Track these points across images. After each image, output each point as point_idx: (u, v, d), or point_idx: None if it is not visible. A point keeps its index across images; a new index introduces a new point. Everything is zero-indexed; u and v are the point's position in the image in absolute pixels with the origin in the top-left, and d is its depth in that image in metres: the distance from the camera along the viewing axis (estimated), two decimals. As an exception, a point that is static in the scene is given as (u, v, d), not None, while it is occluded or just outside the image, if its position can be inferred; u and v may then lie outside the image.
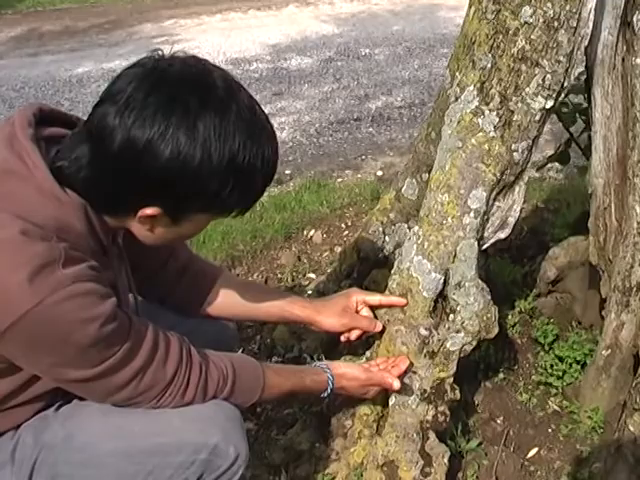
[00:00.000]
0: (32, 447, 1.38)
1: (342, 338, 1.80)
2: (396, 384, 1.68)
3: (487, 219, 1.86)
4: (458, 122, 1.79)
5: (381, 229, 2.29)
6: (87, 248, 1.26)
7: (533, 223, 2.95)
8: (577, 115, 2.58)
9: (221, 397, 1.44)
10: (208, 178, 1.22)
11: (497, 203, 1.86)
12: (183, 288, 1.70)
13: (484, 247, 1.90)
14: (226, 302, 1.73)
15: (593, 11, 1.60)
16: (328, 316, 1.76)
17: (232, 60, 6.02)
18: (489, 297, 1.81)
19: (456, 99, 1.81)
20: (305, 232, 3.16)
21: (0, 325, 1.16)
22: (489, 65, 1.71)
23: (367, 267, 2.33)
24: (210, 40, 6.56)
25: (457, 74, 1.81)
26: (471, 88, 1.76)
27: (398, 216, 2.26)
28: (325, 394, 1.64)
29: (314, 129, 4.73)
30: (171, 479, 1.38)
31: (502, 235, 1.91)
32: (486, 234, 1.88)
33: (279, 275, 2.80)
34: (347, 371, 1.67)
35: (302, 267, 2.86)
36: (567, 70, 1.64)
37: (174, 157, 1.18)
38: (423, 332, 1.80)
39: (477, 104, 1.75)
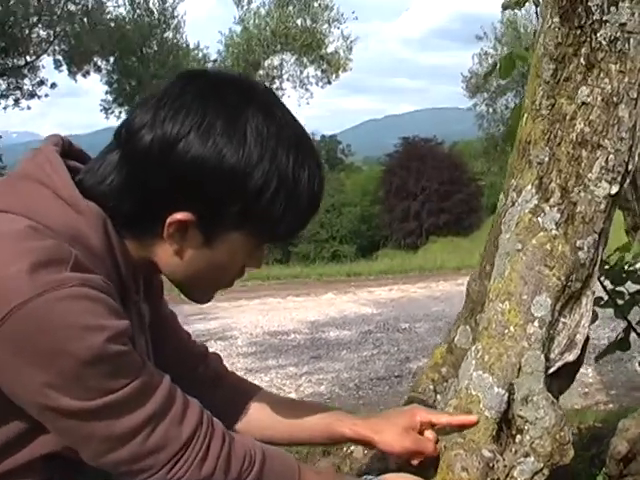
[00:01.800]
0: None
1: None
2: None
3: (552, 339, 1.67)
4: (516, 224, 1.67)
5: (432, 387, 2.06)
6: (103, 272, 1.10)
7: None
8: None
9: (252, 475, 1.18)
10: (246, 176, 1.09)
11: (563, 319, 1.68)
12: (217, 402, 1.44)
13: (551, 371, 1.68)
14: (263, 420, 1.48)
15: (654, 82, 1.56)
16: (387, 437, 1.47)
17: (270, 332, 6.07)
18: (562, 412, 1.57)
19: (513, 204, 1.71)
20: (345, 448, 2.90)
21: None
22: (547, 159, 1.64)
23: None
24: (248, 318, 6.66)
25: (513, 180, 1.73)
26: (529, 187, 1.67)
27: (451, 370, 2.05)
28: None
29: (353, 384, 4.61)
30: None
31: (570, 357, 1.71)
32: (552, 356, 1.69)
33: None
34: None
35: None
36: (631, 148, 1.57)
37: (209, 150, 1.07)
38: (487, 454, 1.55)
39: (536, 202, 1.66)
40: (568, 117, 1.62)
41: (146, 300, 1.32)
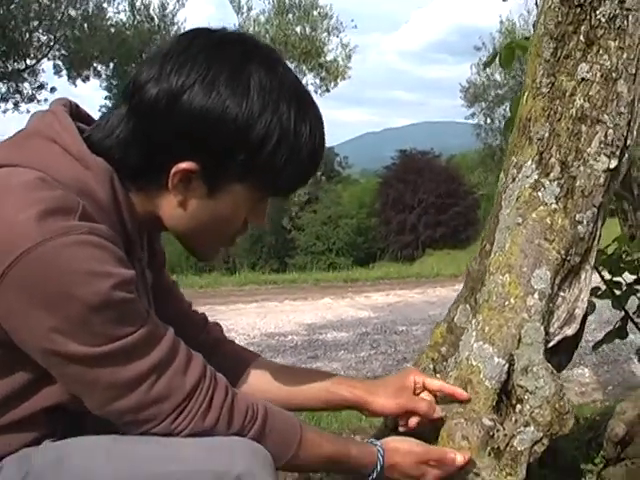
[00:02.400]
0: (15, 476, 1.12)
1: (400, 428, 1.54)
2: (459, 458, 1.42)
3: (552, 312, 1.69)
4: (517, 199, 1.70)
5: (432, 366, 2.07)
6: (109, 226, 1.12)
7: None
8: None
9: (249, 436, 1.19)
10: (248, 127, 1.12)
11: (562, 293, 1.71)
12: (216, 368, 1.49)
13: (551, 344, 1.71)
14: (263, 385, 1.50)
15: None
16: (381, 397, 1.50)
17: (267, 334, 6.07)
18: (561, 383, 1.59)
19: (513, 180, 1.74)
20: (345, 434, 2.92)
21: (0, 265, 1.01)
22: (547, 134, 1.67)
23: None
24: (245, 320, 6.66)
25: (513, 158, 1.76)
26: (529, 163, 1.70)
27: (450, 350, 2.06)
28: (374, 474, 1.36)
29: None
30: None
31: (569, 331, 1.73)
32: (552, 330, 1.71)
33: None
34: (400, 445, 1.41)
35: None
36: (629, 123, 1.61)
37: (213, 101, 1.11)
38: (487, 423, 1.57)
39: (536, 177, 1.68)
40: (568, 93, 1.65)
41: (149, 267, 1.34)
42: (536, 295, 1.63)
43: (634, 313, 2.54)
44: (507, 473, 1.54)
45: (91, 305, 1.03)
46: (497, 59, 2.45)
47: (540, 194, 1.67)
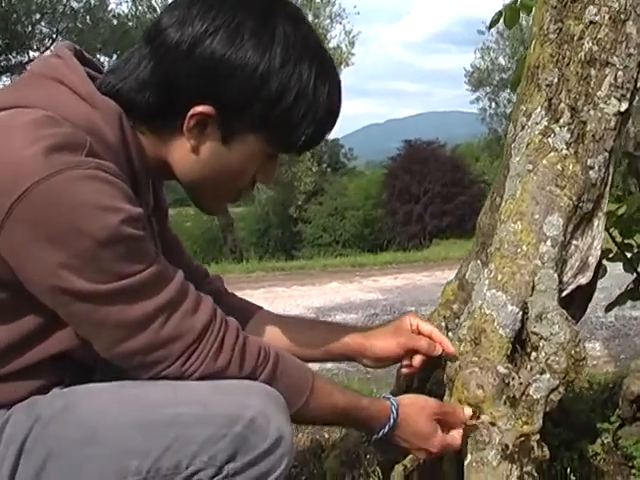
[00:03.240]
0: (23, 423, 1.11)
1: (404, 370, 1.53)
2: (467, 411, 1.43)
3: (565, 261, 1.67)
4: (527, 146, 1.68)
5: (444, 324, 2.06)
6: (116, 166, 1.11)
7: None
8: None
9: (261, 379, 1.17)
10: (269, 77, 1.12)
11: (575, 242, 1.69)
12: None
13: (564, 294, 1.69)
14: (264, 336, 1.48)
15: (661, -3, 1.57)
16: (380, 339, 1.48)
17: (276, 317, 6.02)
18: (576, 329, 1.57)
19: (522, 128, 1.72)
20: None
21: (6, 200, 0.99)
22: (555, 80, 1.65)
23: (429, 368, 2.06)
24: (253, 304, 6.63)
25: (522, 106, 1.74)
26: (538, 110, 1.68)
27: (462, 307, 2.04)
28: (386, 428, 1.34)
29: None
30: (194, 458, 1.08)
31: (583, 280, 1.71)
32: (565, 279, 1.69)
33: None
34: (413, 400, 1.41)
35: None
36: (639, 65, 1.58)
37: (236, 48, 1.11)
38: (502, 370, 1.55)
39: (546, 124, 1.66)
40: (576, 37, 1.63)
41: (154, 216, 1.33)
42: (549, 242, 1.61)
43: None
44: (523, 422, 1.52)
45: (99, 239, 1.01)
46: (502, 19, 2.43)
47: (550, 140, 1.65)
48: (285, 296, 6.93)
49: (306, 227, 29.09)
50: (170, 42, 1.12)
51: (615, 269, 2.41)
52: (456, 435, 1.42)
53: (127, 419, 1.07)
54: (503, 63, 23.29)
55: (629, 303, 2.63)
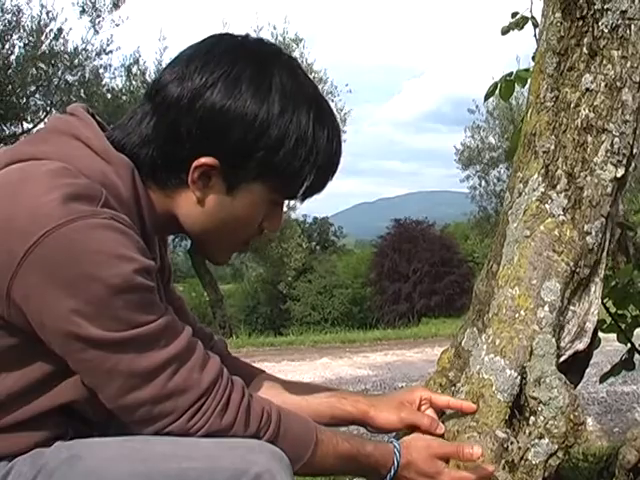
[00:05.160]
0: (26, 474, 1.10)
1: None
2: (477, 450, 1.37)
3: (562, 327, 1.67)
4: (524, 212, 1.69)
5: (440, 392, 2.03)
6: (130, 219, 1.13)
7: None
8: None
9: (265, 438, 1.17)
10: (268, 125, 1.15)
11: (572, 307, 1.69)
12: None
13: (562, 359, 1.68)
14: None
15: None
16: (384, 410, 1.47)
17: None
18: (575, 393, 1.56)
19: (520, 194, 1.73)
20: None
21: (22, 244, 1.01)
22: (552, 147, 1.68)
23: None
24: (243, 380, 6.56)
25: (519, 173, 1.76)
26: (535, 176, 1.70)
27: (458, 375, 2.02)
28: (391, 472, 1.32)
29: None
30: None
31: (580, 345, 1.71)
32: (562, 344, 1.69)
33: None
34: (416, 442, 1.38)
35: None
36: (635, 131, 1.61)
37: (235, 99, 1.14)
38: (501, 435, 1.54)
39: (543, 190, 1.68)
40: (572, 105, 1.66)
41: (160, 278, 1.33)
42: (546, 307, 1.61)
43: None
44: (522, 488, 1.50)
45: (113, 287, 1.03)
46: (497, 91, 2.47)
47: (547, 206, 1.66)
48: (275, 371, 6.78)
49: (295, 305, 28.99)
50: (171, 97, 1.16)
51: (606, 345, 2.40)
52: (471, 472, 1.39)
53: (132, 472, 1.06)
54: (493, 142, 23.61)
55: (621, 379, 2.62)
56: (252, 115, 1.14)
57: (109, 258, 1.03)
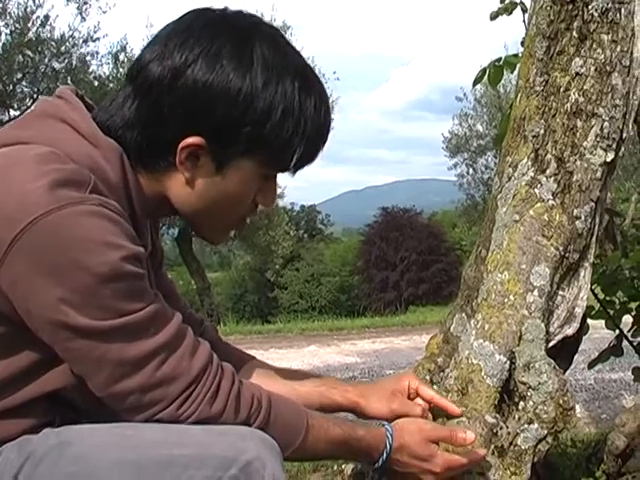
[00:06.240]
0: (14, 461, 1.08)
1: None
2: (470, 435, 1.37)
3: (551, 312, 1.67)
4: (513, 197, 1.69)
5: (428, 377, 2.03)
6: (118, 204, 1.11)
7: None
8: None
9: (255, 425, 1.15)
10: (253, 99, 1.12)
11: (561, 292, 1.68)
12: None
13: (551, 344, 1.68)
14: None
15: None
16: (374, 401, 1.45)
17: (253, 380, 5.95)
18: (564, 378, 1.56)
19: (509, 179, 1.73)
20: (335, 465, 2.84)
21: (10, 232, 0.99)
22: (542, 131, 1.67)
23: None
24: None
25: (508, 158, 1.75)
26: (524, 161, 1.69)
27: (447, 360, 2.02)
28: (384, 455, 1.31)
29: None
30: None
31: (570, 330, 1.70)
32: (552, 329, 1.69)
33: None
34: (409, 425, 1.37)
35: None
36: (625, 115, 1.60)
37: (217, 74, 1.11)
38: (490, 420, 1.53)
39: (532, 174, 1.67)
40: (562, 89, 1.65)
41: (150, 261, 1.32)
42: (536, 292, 1.60)
43: (628, 331, 2.51)
44: (511, 472, 1.50)
45: (100, 275, 1.01)
46: (486, 77, 2.46)
47: (537, 191, 1.66)
48: (263, 359, 6.79)
49: (282, 293, 29.02)
50: (152, 78, 1.13)
51: (594, 333, 2.40)
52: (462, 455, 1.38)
53: (122, 458, 1.05)
54: (481, 130, 23.61)
55: (608, 366, 2.63)
56: (235, 90, 1.11)
57: (97, 246, 1.01)
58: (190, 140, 1.12)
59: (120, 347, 1.05)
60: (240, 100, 1.11)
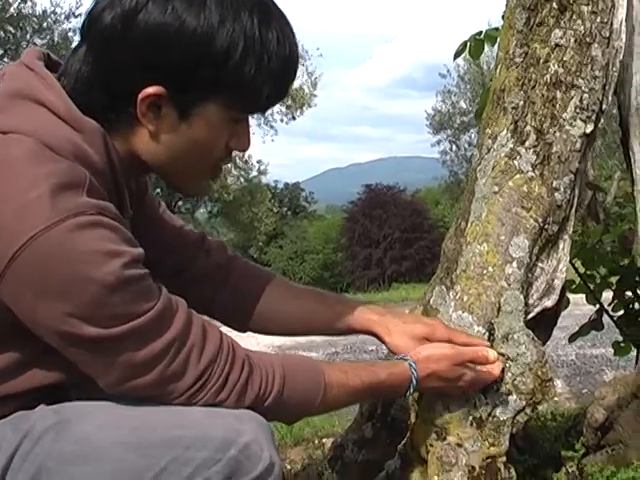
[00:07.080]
0: (10, 438, 1.07)
1: None
2: (492, 354, 1.42)
3: (530, 284, 1.67)
4: (492, 168, 1.68)
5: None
6: (104, 188, 1.09)
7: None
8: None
9: (267, 405, 1.16)
10: (209, 39, 1.05)
11: (540, 264, 1.69)
12: (224, 295, 1.45)
13: (530, 316, 1.68)
14: (281, 306, 1.48)
15: (624, 23, 1.60)
16: (400, 341, 1.45)
17: (235, 356, 5.97)
18: (543, 349, 1.56)
19: (488, 151, 1.72)
20: (317, 440, 2.86)
21: (11, 246, 0.97)
22: (521, 102, 1.66)
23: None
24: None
25: (488, 129, 1.74)
26: (504, 132, 1.69)
27: (427, 333, 2.03)
28: (411, 389, 1.33)
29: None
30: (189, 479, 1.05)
31: (549, 302, 1.70)
32: (530, 301, 1.69)
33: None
34: (432, 352, 1.38)
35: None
36: (604, 87, 1.60)
37: (168, 17, 1.05)
38: (468, 390, 1.52)
39: (512, 146, 1.67)
40: (542, 60, 1.64)
41: (138, 204, 1.29)
42: (514, 263, 1.60)
43: (608, 305, 2.52)
44: (490, 443, 1.52)
45: (107, 286, 1.00)
46: (467, 50, 2.45)
47: (516, 162, 1.65)
48: (246, 335, 6.83)
49: (266, 270, 29.05)
50: (103, 28, 1.07)
51: (575, 309, 2.42)
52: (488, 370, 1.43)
53: (123, 438, 1.04)
54: (464, 106, 23.65)
55: (589, 342, 2.64)
56: (190, 30, 1.04)
57: (98, 257, 1.00)
58: (149, 90, 1.06)
59: (130, 350, 1.04)
60: (195, 41, 1.05)
